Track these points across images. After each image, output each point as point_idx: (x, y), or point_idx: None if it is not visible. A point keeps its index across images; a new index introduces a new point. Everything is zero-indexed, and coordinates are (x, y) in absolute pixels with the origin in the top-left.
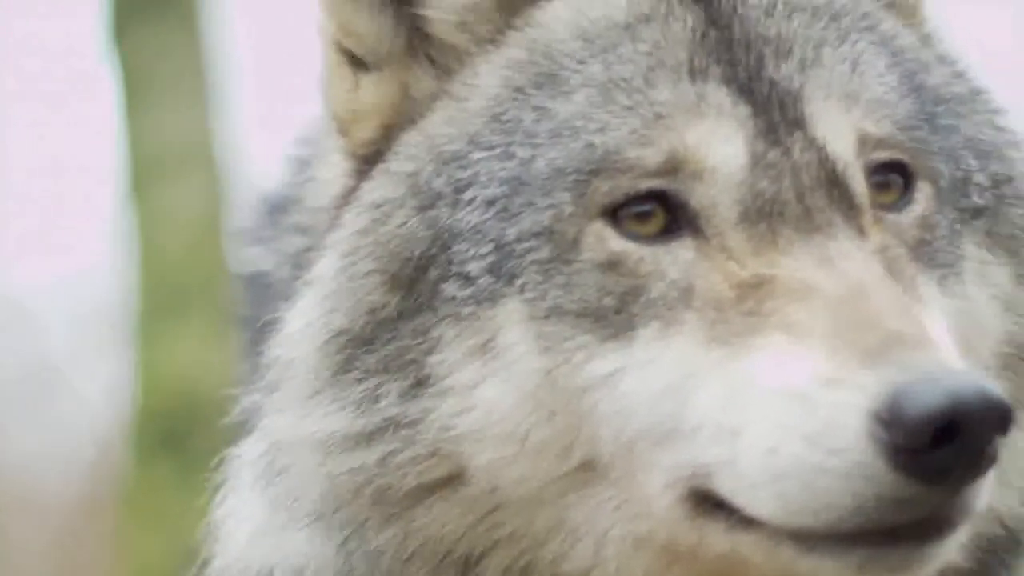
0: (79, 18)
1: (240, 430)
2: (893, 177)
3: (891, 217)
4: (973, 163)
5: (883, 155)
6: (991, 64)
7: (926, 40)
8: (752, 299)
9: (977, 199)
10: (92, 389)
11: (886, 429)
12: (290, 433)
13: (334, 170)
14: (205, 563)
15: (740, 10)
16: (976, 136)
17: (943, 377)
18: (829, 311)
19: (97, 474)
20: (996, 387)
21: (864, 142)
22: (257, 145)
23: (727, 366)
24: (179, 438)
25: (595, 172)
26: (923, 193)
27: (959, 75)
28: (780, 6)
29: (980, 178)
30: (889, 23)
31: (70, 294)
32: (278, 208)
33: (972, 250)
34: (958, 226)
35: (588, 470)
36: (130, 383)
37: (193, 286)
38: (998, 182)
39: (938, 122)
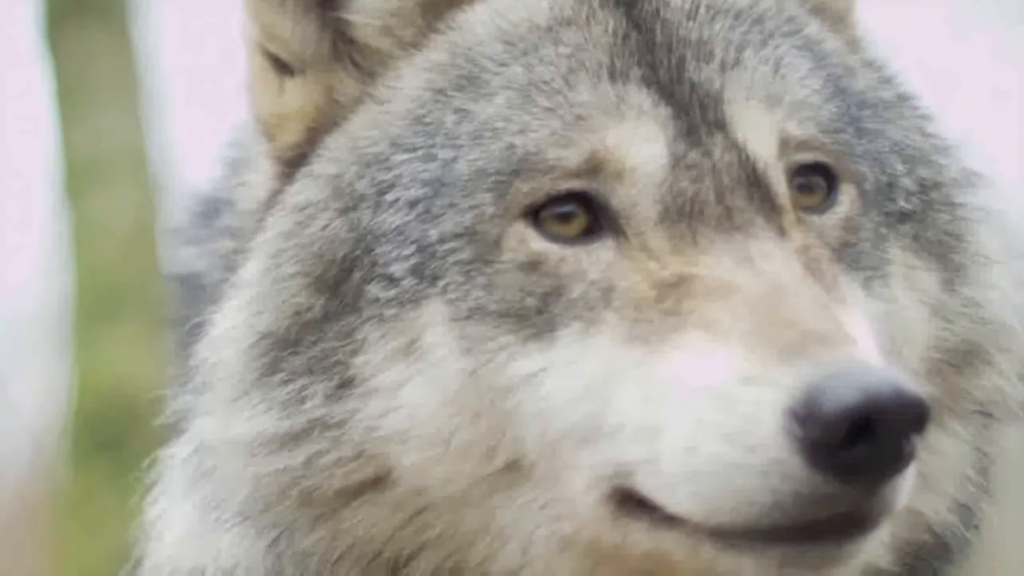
0: (10, 24)
1: (172, 431)
2: (816, 179)
3: (814, 218)
4: (900, 167)
5: (806, 157)
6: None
7: (853, 45)
8: (672, 298)
9: (904, 203)
10: (27, 395)
11: (802, 425)
12: (217, 435)
13: (261, 174)
14: (137, 563)
15: (662, 13)
16: (903, 141)
17: (859, 374)
18: (748, 310)
19: (33, 479)
20: (912, 384)
21: (786, 143)
22: (190, 149)
23: (647, 365)
24: (115, 441)
25: (516, 173)
26: (847, 195)
27: (886, 80)
28: (702, 10)
29: (907, 183)
30: (814, 27)
31: (4, 300)
32: (211, 210)
33: (899, 254)
34: (884, 230)
35: (513, 471)
36: (65, 388)
37: (128, 290)
38: (926, 187)
39: (863, 126)
